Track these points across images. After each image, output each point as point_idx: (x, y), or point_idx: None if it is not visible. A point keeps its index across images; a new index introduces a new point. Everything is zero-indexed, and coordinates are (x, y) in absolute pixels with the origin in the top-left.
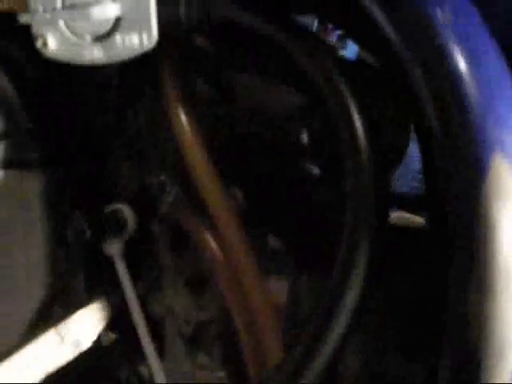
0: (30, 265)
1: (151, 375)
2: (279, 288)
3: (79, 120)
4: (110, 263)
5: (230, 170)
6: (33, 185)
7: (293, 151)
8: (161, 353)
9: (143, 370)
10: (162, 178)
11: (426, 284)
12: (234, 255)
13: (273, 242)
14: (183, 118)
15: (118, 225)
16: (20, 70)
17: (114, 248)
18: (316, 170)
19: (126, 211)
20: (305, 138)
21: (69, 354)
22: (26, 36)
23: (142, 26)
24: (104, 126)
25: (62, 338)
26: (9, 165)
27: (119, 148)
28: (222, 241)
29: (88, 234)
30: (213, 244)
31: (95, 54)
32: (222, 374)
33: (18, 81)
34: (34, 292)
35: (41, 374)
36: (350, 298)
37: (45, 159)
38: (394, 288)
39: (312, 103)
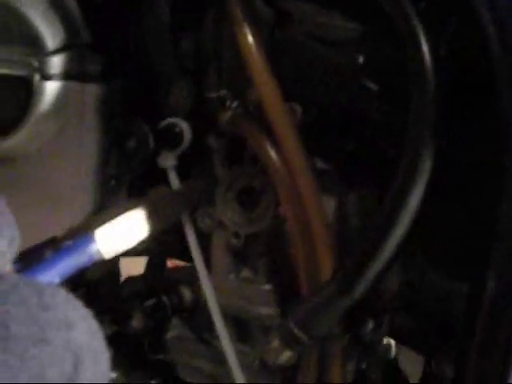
0: (79, 174)
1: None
2: (326, 207)
3: (137, 35)
4: (163, 176)
5: (290, 86)
6: (91, 96)
7: (349, 70)
8: (208, 267)
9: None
10: (222, 93)
11: (473, 209)
12: (295, 167)
13: (319, 161)
14: (249, 36)
15: (174, 138)
16: None
17: (168, 160)
18: (373, 86)
19: (182, 125)
20: (361, 58)
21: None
22: None
23: None
24: (159, 42)
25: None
26: (68, 76)
27: (176, 63)
28: (282, 153)
29: (151, 143)
30: (274, 155)
31: None
32: (267, 287)
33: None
34: (77, 201)
35: None
36: (414, 201)
37: (103, 72)
38: (440, 208)
39: (369, 31)
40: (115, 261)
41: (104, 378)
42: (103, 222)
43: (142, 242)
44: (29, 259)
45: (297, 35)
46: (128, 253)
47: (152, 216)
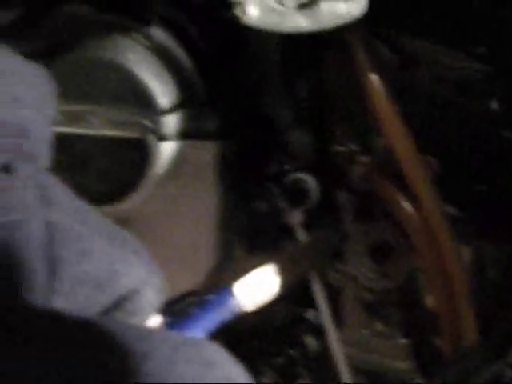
0: (197, 234)
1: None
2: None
3: (252, 93)
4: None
5: (423, 137)
6: (208, 154)
7: (483, 116)
8: (339, 321)
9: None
10: (352, 147)
11: None
12: (431, 219)
13: (452, 210)
14: (376, 83)
15: (300, 194)
16: (196, 46)
17: (295, 217)
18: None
19: (309, 180)
20: (494, 103)
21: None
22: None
23: None
24: (274, 98)
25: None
26: (184, 135)
27: (292, 111)
28: (418, 206)
29: (282, 204)
30: (410, 210)
31: (299, 22)
32: (402, 341)
33: (195, 55)
34: (199, 261)
35: None
36: None
37: (220, 131)
38: None
39: (497, 71)
40: None
41: None
42: (240, 275)
43: None
44: (175, 313)
45: (424, 80)
46: None
47: (288, 268)
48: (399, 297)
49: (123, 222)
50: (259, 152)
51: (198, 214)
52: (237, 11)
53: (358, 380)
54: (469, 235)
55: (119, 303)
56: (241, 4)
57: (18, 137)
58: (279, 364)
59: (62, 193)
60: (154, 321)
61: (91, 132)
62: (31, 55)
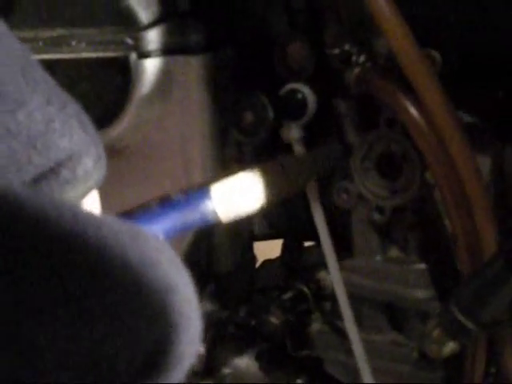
0: (193, 159)
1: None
2: (481, 166)
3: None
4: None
5: (423, 31)
6: (196, 69)
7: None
8: (349, 248)
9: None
10: (346, 47)
11: None
12: (441, 125)
13: (467, 115)
14: None
15: (296, 106)
16: None
17: (292, 132)
18: None
19: (305, 90)
20: None
21: None
22: None
23: None
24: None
25: None
26: (168, 51)
27: (288, 22)
28: (425, 109)
29: (271, 115)
30: (416, 113)
31: None
32: (420, 266)
33: None
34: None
35: None
36: None
37: (207, 42)
38: None
39: None
40: (249, 246)
41: (194, 352)
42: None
43: (275, 224)
44: (132, 210)
45: None
46: (261, 236)
47: (277, 178)
48: (414, 216)
49: (110, 151)
50: (250, 64)
51: (189, 133)
52: None
53: (373, 312)
54: (488, 144)
55: (54, 169)
56: None
57: None
58: (288, 299)
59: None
60: (92, 196)
61: (72, 56)
62: None
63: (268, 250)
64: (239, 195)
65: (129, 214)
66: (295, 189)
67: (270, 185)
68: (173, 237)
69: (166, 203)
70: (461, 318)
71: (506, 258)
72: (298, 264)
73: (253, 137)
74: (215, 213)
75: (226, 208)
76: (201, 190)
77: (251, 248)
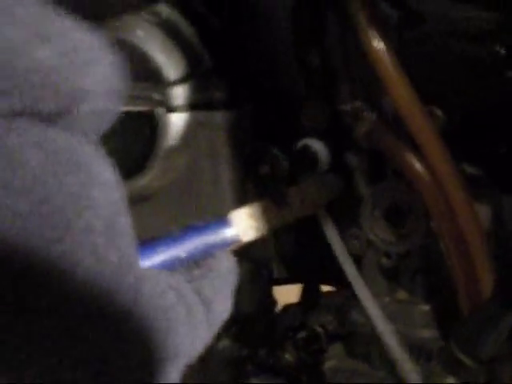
0: (216, 206)
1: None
2: (481, 215)
3: (261, 57)
4: None
5: (427, 90)
6: (219, 124)
7: (491, 64)
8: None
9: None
10: (357, 105)
11: None
12: (442, 176)
13: (469, 169)
14: (377, 42)
15: (310, 160)
16: (203, 18)
17: None
18: None
19: (316, 145)
20: (502, 50)
21: None
22: None
23: None
24: (286, 62)
25: None
26: (193, 106)
27: (305, 81)
28: (427, 163)
29: (286, 168)
30: (418, 166)
31: None
32: (426, 307)
33: (202, 27)
34: None
35: None
36: None
37: (230, 99)
38: None
39: (507, 20)
40: (268, 290)
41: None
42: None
43: (293, 269)
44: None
45: (429, 34)
46: (280, 281)
47: (293, 200)
48: (420, 261)
49: (139, 198)
50: (268, 120)
51: (214, 188)
52: None
53: (381, 351)
54: (488, 193)
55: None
56: None
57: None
58: (302, 338)
59: None
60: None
61: None
62: None
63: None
64: (258, 217)
65: (151, 241)
66: (309, 211)
67: (286, 210)
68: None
69: (186, 229)
70: (459, 355)
71: (500, 298)
72: (315, 306)
73: (268, 188)
74: (236, 235)
75: (244, 230)
76: (222, 217)
77: (271, 292)
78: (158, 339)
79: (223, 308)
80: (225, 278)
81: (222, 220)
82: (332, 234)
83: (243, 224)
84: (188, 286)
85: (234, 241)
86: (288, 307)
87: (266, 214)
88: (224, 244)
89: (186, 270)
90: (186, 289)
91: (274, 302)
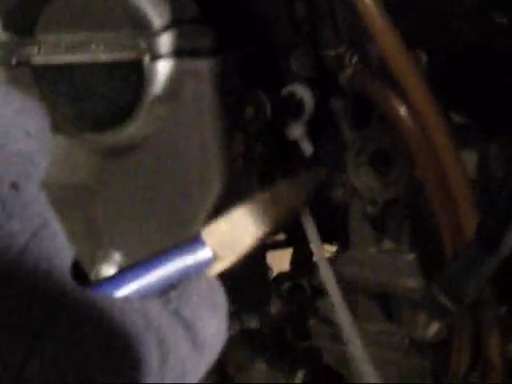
0: (203, 156)
1: None
2: (467, 162)
3: (249, 3)
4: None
5: (410, 32)
6: (205, 71)
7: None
8: (346, 241)
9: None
10: (341, 50)
11: None
12: (427, 122)
13: (455, 113)
14: None
15: (296, 106)
16: None
17: (296, 130)
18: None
19: (302, 91)
20: None
21: None
22: None
23: None
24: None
25: None
26: (179, 54)
27: (293, 29)
28: (412, 108)
29: (268, 112)
30: (402, 111)
31: None
32: (411, 257)
33: None
34: (206, 184)
35: None
36: None
37: (216, 46)
38: None
39: None
40: (260, 257)
41: None
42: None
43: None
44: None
45: None
46: (271, 245)
47: (268, 209)
48: (406, 209)
49: (123, 149)
50: (257, 68)
51: (200, 136)
52: None
53: (368, 301)
54: (474, 139)
55: None
56: None
57: (27, 164)
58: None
59: None
60: None
61: (89, 58)
62: None
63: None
64: (233, 235)
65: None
66: (289, 215)
67: (263, 218)
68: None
69: (159, 255)
70: (443, 299)
71: (482, 241)
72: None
73: (251, 129)
74: (211, 257)
75: (221, 250)
76: (194, 238)
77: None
78: (125, 368)
79: (212, 329)
80: (206, 298)
81: (194, 241)
82: (313, 238)
83: (216, 243)
84: (163, 310)
85: (208, 262)
86: (280, 275)
87: (241, 229)
88: (199, 266)
89: (163, 294)
90: (158, 315)
91: (266, 269)
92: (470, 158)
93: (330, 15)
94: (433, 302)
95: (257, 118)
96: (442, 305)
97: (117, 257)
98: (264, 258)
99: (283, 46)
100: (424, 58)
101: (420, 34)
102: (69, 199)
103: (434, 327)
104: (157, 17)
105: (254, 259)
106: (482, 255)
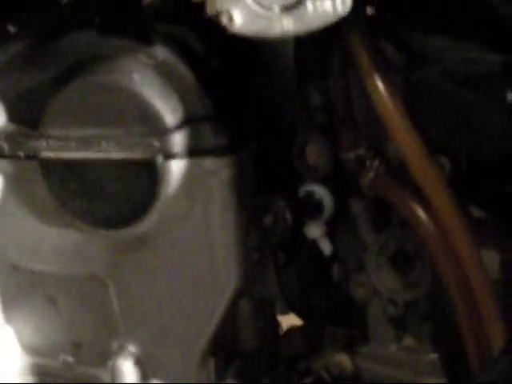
0: (216, 253)
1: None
2: (489, 261)
3: (261, 104)
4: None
5: (434, 138)
6: (220, 170)
7: (498, 111)
8: (366, 336)
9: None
10: (361, 152)
11: None
12: (448, 226)
13: (476, 212)
14: (381, 86)
15: (315, 206)
16: (202, 60)
17: (315, 230)
18: None
19: (321, 191)
20: (510, 95)
21: None
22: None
23: None
24: (286, 106)
25: None
26: (193, 152)
27: (305, 126)
28: (433, 212)
29: (290, 219)
30: (423, 216)
31: (285, 26)
32: (432, 356)
33: (198, 70)
34: (219, 280)
35: None
36: None
37: (226, 146)
38: None
39: None
40: (273, 323)
41: None
42: None
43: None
44: None
45: (433, 76)
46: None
47: None
48: (427, 308)
49: (139, 244)
50: (272, 165)
51: (214, 234)
52: (224, 20)
53: None
54: (496, 238)
55: None
56: (227, 12)
57: None
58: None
59: None
60: None
61: (101, 156)
62: (40, 83)
63: None
64: None
65: None
66: None
67: None
68: None
69: None
70: None
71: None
72: (318, 346)
73: (272, 236)
74: None
75: None
76: None
77: (274, 320)
78: None
79: None
80: None
81: None
82: None
83: None
84: None
85: None
86: (291, 331)
87: None
88: None
89: None
90: None
91: (277, 328)
92: (491, 257)
93: (348, 111)
94: None
95: (277, 226)
96: None
97: (132, 349)
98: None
99: (299, 138)
100: (446, 162)
101: (441, 138)
102: (82, 291)
103: None
104: (169, 114)
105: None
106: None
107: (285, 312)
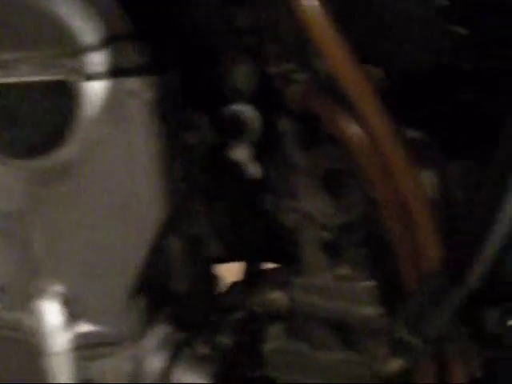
0: (141, 179)
1: None
2: (426, 181)
3: (187, 16)
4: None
5: (363, 48)
6: (141, 91)
7: (432, 17)
8: (300, 267)
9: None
10: (286, 66)
11: None
12: (382, 141)
13: (413, 133)
14: None
15: (241, 127)
16: None
17: (241, 152)
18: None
19: (248, 111)
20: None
21: None
22: None
23: None
24: (210, 24)
25: None
26: (111, 73)
27: (230, 44)
28: (364, 126)
29: (210, 136)
30: (356, 129)
31: None
32: (368, 284)
33: None
34: (145, 208)
35: None
36: None
37: (153, 63)
38: None
39: None
40: (206, 268)
41: None
42: None
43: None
44: None
45: None
46: (218, 259)
47: None
48: (362, 233)
49: (60, 174)
50: (195, 86)
51: (138, 159)
52: None
53: (326, 330)
54: (433, 159)
55: None
56: None
57: None
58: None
59: None
60: None
61: (13, 80)
62: None
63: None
64: None
65: None
66: None
67: None
68: None
69: None
70: (405, 335)
71: (446, 273)
72: (255, 285)
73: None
74: None
75: None
76: None
77: (209, 270)
78: None
79: None
80: None
81: None
82: None
83: None
84: None
85: None
86: (233, 285)
87: None
88: None
89: None
90: None
91: (214, 281)
92: (428, 178)
93: (274, 27)
94: (395, 339)
95: (199, 144)
96: (406, 341)
97: (59, 289)
98: (209, 271)
99: (225, 60)
100: (377, 73)
101: (373, 51)
102: (4, 227)
103: (397, 362)
104: (87, 33)
105: (198, 272)
106: (447, 288)
107: (217, 252)
